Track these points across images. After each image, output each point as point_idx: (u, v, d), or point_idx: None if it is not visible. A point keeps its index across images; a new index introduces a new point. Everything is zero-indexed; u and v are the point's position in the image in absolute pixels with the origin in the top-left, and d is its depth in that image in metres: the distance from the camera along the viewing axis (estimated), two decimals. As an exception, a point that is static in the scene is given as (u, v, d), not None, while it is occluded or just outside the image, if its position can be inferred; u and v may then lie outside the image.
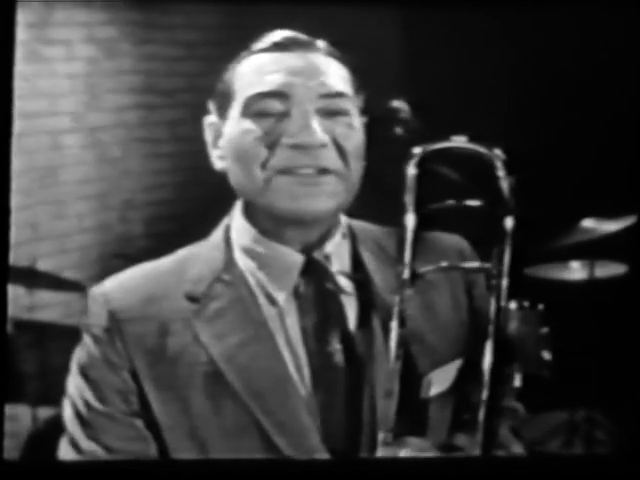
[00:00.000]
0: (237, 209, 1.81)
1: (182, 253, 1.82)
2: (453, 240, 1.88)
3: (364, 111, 1.82)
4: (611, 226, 2.25)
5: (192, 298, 1.77)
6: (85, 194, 2.18)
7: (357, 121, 1.78)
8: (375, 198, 1.96)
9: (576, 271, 2.32)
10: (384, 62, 2.19)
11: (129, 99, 2.18)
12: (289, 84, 1.73)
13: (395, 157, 2.17)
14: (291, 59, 1.76)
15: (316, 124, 1.72)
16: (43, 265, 2.15)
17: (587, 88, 2.17)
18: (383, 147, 2.08)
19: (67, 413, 1.78)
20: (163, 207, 2.22)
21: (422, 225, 1.77)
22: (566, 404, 2.22)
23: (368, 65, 1.99)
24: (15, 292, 2.05)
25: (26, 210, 2.10)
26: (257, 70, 1.75)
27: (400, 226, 1.76)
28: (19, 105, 2.04)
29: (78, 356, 1.78)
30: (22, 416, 2.11)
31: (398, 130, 2.17)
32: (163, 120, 2.20)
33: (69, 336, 1.85)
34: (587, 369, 2.17)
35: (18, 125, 2.03)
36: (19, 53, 2.04)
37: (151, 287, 1.78)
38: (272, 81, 1.74)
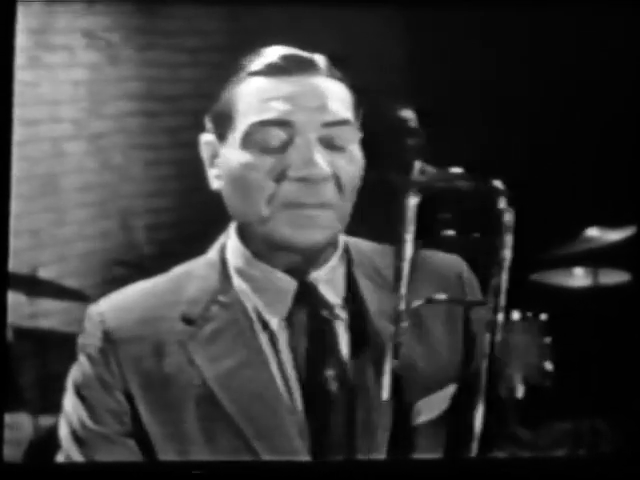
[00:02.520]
0: (232, 229, 1.80)
1: (178, 271, 1.81)
2: (452, 262, 1.86)
3: (364, 128, 1.80)
4: (615, 235, 2.24)
5: (188, 320, 1.76)
6: (86, 201, 2.17)
7: (357, 150, 1.77)
8: (378, 211, 1.95)
9: (580, 278, 2.31)
10: (387, 65, 2.18)
11: (131, 106, 2.17)
12: (292, 112, 1.71)
13: (402, 167, 2.16)
14: (293, 85, 1.73)
15: (319, 155, 1.71)
16: (44, 273, 2.14)
17: (588, 95, 2.16)
18: (391, 157, 2.07)
19: (63, 431, 1.77)
20: (165, 214, 2.21)
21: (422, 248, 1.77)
22: (570, 414, 2.21)
23: (371, 69, 1.98)
24: (16, 300, 2.04)
25: (27, 217, 2.09)
26: (258, 96, 1.73)
27: (398, 256, 1.76)
28: (21, 112, 2.03)
29: (74, 375, 1.78)
30: (23, 424, 2.10)
31: (407, 140, 2.16)
32: (166, 127, 2.18)
33: (70, 344, 1.85)
34: (591, 378, 2.16)
35: (19, 132, 2.03)
36: (21, 59, 2.03)
37: (147, 307, 1.77)
38: (274, 109, 1.72)
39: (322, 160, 1.71)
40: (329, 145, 1.73)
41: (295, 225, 1.71)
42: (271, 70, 1.74)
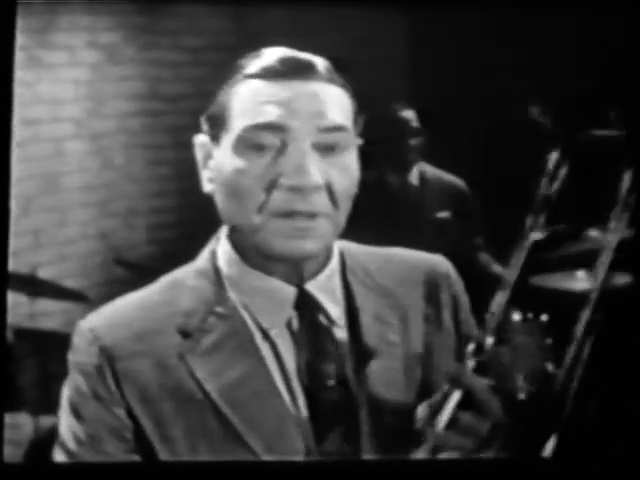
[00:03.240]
0: (223, 235, 1.78)
1: (168, 281, 1.77)
2: (438, 262, 1.85)
3: (362, 134, 1.78)
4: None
5: (184, 333, 1.73)
6: (87, 201, 2.17)
7: (353, 159, 1.74)
8: (378, 210, 1.94)
9: (581, 281, 2.31)
10: (391, 66, 2.18)
11: (133, 105, 2.17)
12: (287, 117, 1.67)
13: (401, 168, 2.17)
14: (290, 89, 1.68)
15: (312, 163, 1.67)
16: (44, 273, 2.13)
17: (588, 95, 2.16)
18: (389, 158, 2.07)
19: (59, 455, 1.75)
20: (166, 214, 2.21)
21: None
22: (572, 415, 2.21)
23: (373, 70, 1.98)
24: (16, 300, 2.04)
25: (28, 217, 2.09)
26: (253, 99, 1.69)
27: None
28: (21, 112, 2.03)
29: (68, 395, 1.75)
30: (23, 424, 2.09)
31: (405, 141, 2.16)
32: (167, 126, 2.18)
33: (70, 345, 1.84)
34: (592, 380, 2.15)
35: (20, 132, 2.02)
36: (21, 59, 2.03)
37: (141, 321, 1.73)
38: (269, 112, 1.68)
39: (315, 168, 1.68)
40: (324, 152, 1.69)
41: (286, 236, 1.68)
42: (268, 73, 1.70)
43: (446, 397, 1.69)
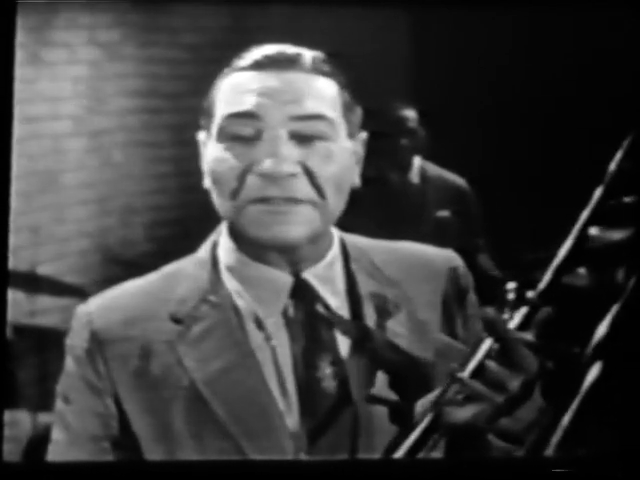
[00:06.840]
0: (224, 226, 1.79)
1: (168, 270, 1.80)
2: (448, 257, 1.85)
3: (362, 126, 1.78)
4: (616, 235, 2.24)
5: (176, 319, 1.74)
6: (86, 198, 2.17)
7: (339, 146, 1.73)
8: (378, 208, 1.94)
9: (582, 277, 2.31)
10: (390, 67, 2.18)
11: (132, 103, 2.16)
12: (260, 105, 1.69)
13: (401, 165, 2.16)
14: (267, 79, 1.71)
15: (286, 151, 1.68)
16: (43, 270, 2.13)
17: (589, 95, 2.16)
18: (389, 156, 2.06)
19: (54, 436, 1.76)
20: (165, 211, 2.21)
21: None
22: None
23: (374, 70, 1.98)
24: (15, 297, 2.04)
25: (26, 214, 2.09)
26: (233, 89, 1.72)
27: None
28: (20, 109, 2.03)
29: (61, 378, 1.76)
30: (22, 421, 2.09)
31: (405, 139, 2.15)
32: (166, 124, 2.18)
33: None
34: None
35: (19, 129, 2.03)
36: (20, 56, 2.03)
37: (135, 307, 1.75)
38: (245, 101, 1.70)
39: (289, 156, 1.69)
40: (302, 140, 1.70)
41: (264, 222, 1.69)
42: (251, 65, 1.73)
43: (477, 345, 1.67)
